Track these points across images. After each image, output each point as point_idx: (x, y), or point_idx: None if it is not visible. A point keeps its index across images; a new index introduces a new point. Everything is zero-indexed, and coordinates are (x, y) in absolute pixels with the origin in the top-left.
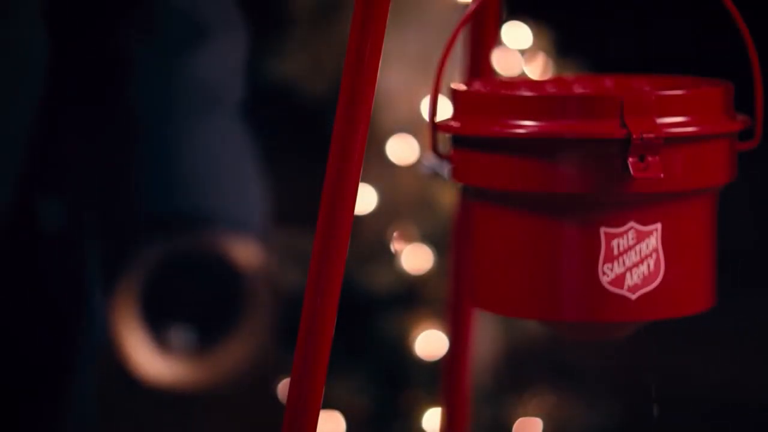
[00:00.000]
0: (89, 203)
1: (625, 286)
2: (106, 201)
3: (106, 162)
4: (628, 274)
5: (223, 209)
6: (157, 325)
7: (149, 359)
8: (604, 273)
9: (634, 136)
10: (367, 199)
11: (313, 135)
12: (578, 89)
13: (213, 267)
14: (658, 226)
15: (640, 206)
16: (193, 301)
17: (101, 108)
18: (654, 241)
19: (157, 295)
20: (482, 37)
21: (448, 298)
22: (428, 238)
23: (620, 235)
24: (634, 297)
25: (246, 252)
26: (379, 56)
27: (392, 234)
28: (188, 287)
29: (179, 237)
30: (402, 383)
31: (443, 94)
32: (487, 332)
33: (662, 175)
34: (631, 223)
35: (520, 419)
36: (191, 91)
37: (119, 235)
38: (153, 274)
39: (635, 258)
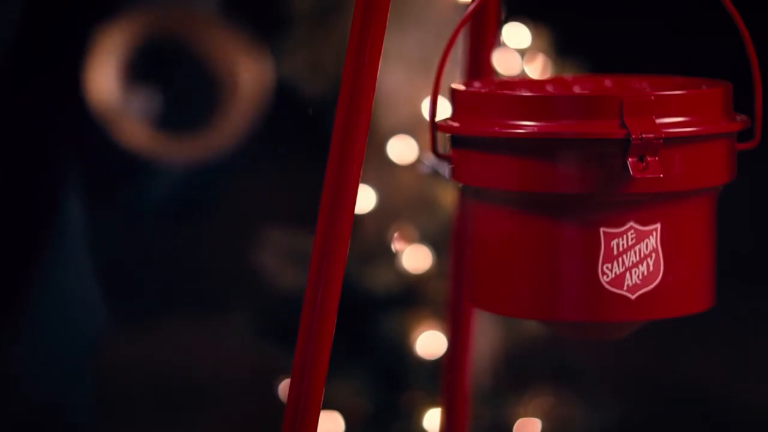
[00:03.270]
0: None
1: (625, 286)
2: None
3: None
4: (627, 274)
5: None
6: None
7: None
8: (603, 273)
9: (634, 136)
10: (367, 199)
11: (313, 135)
12: (578, 89)
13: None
14: (658, 226)
15: (639, 206)
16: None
17: None
18: (653, 241)
19: (138, 66)
20: (482, 37)
21: (448, 298)
22: (428, 238)
23: (620, 235)
24: (633, 297)
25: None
26: (379, 56)
27: (392, 234)
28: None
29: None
30: (402, 383)
31: (443, 94)
32: (487, 332)
33: (661, 175)
34: (631, 223)
35: (520, 419)
36: None
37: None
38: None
39: (635, 258)
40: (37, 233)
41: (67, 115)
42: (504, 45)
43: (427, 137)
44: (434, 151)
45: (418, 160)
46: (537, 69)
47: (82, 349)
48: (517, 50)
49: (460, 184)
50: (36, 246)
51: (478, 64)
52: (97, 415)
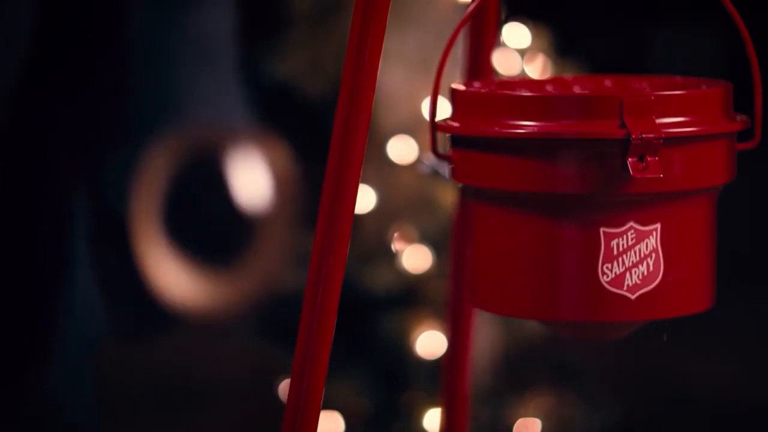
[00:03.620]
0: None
1: (625, 286)
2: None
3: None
4: (627, 274)
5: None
6: (178, 239)
7: (176, 278)
8: (603, 273)
9: (634, 137)
10: (367, 199)
11: (313, 135)
12: (578, 89)
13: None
14: (658, 226)
15: (639, 206)
16: (211, 216)
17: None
18: (653, 241)
19: (174, 210)
20: (482, 37)
21: (448, 298)
22: (428, 238)
23: (620, 235)
24: (633, 297)
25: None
26: (379, 56)
27: (392, 234)
28: (203, 202)
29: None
30: (402, 383)
31: (443, 94)
32: (487, 332)
33: (661, 175)
34: (631, 223)
35: (520, 419)
36: (187, 45)
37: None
38: (168, 188)
39: (635, 258)
40: (37, 234)
41: (69, 116)
42: (504, 45)
43: (427, 137)
44: (434, 151)
45: (418, 160)
46: (537, 69)
47: (82, 349)
48: (517, 50)
49: (460, 184)
50: (36, 247)
51: (478, 64)
52: (97, 415)
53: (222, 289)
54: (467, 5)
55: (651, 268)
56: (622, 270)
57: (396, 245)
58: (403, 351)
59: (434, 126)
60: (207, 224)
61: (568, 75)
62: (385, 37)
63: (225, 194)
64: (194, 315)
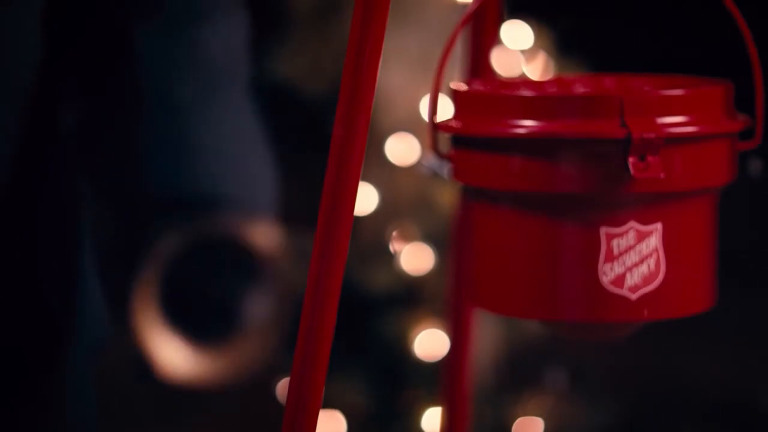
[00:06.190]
0: (94, 188)
1: (626, 286)
2: (112, 186)
3: (111, 146)
4: (628, 274)
5: (235, 192)
6: (180, 317)
7: (174, 354)
8: (604, 273)
9: (635, 136)
10: (367, 199)
11: (313, 135)
12: (579, 89)
13: (229, 254)
14: (659, 226)
15: (640, 206)
16: (215, 291)
17: (105, 91)
18: (654, 241)
19: (177, 286)
20: (482, 37)
21: (449, 297)
22: (428, 238)
23: (620, 235)
24: (634, 297)
25: (262, 236)
26: (379, 56)
27: (392, 234)
28: (206, 277)
29: (193, 223)
30: (402, 383)
31: (443, 93)
32: (487, 332)
33: (662, 175)
34: (632, 223)
35: (520, 419)
36: (195, 71)
37: (127, 222)
38: (171, 264)
39: (635, 258)
40: (38, 236)
41: (70, 116)
42: (504, 45)
43: (428, 137)
44: (434, 151)
45: (419, 160)
46: (538, 68)
47: (83, 348)
48: (518, 50)
49: (460, 184)
50: (36, 247)
51: (478, 64)
52: (95, 414)
53: (224, 362)
54: (467, 5)
55: (652, 268)
56: (622, 270)
57: (394, 245)
58: (403, 351)
59: (434, 126)
60: (209, 297)
61: (568, 75)
62: (385, 37)
63: (226, 267)
64: (190, 388)
